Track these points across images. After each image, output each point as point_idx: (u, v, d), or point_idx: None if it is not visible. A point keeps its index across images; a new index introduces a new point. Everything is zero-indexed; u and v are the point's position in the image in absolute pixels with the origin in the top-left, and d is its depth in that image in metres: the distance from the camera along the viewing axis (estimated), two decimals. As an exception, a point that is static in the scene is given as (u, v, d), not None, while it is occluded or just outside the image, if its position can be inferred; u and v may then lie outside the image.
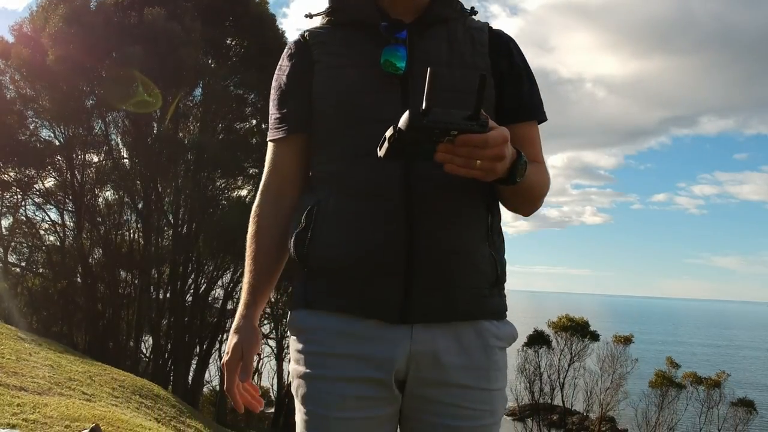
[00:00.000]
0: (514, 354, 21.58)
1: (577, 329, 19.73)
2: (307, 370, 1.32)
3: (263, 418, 18.45)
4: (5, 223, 16.24)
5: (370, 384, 1.28)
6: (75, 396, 4.69)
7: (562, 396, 19.98)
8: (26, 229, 16.21)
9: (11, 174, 15.14)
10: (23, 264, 16.22)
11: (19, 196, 15.66)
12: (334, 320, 1.30)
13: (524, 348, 20.24)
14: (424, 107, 1.10)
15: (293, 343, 1.37)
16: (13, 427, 3.29)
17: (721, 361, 34.22)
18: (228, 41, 15.80)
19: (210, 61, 15.46)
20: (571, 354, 19.72)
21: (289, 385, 18.35)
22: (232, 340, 1.37)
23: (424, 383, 1.28)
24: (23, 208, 16.00)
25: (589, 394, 19.70)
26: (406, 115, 1.10)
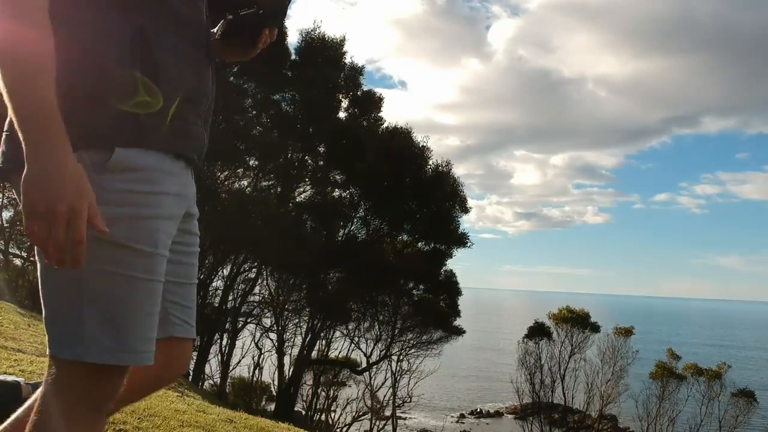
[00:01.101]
0: (514, 346, 21.49)
1: (578, 321, 19.73)
2: (142, 211, 1.24)
3: (264, 414, 18.37)
4: (6, 215, 16.30)
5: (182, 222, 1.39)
6: (73, 361, 4.71)
7: (563, 388, 19.93)
8: (27, 222, 16.23)
9: (12, 166, 15.15)
10: (24, 254, 16.24)
11: (20, 189, 15.67)
12: (166, 161, 1.28)
13: (525, 340, 20.22)
14: None
15: (115, 183, 1.20)
16: (11, 374, 3.31)
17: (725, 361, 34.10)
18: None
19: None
20: (571, 346, 19.72)
21: (291, 378, 18.21)
22: (71, 180, 1.07)
23: (189, 218, 1.43)
24: (24, 200, 16.02)
25: (589, 386, 19.67)
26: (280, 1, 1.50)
